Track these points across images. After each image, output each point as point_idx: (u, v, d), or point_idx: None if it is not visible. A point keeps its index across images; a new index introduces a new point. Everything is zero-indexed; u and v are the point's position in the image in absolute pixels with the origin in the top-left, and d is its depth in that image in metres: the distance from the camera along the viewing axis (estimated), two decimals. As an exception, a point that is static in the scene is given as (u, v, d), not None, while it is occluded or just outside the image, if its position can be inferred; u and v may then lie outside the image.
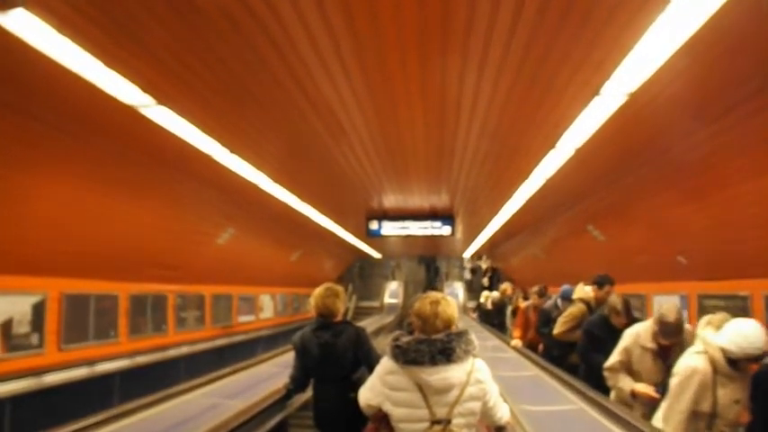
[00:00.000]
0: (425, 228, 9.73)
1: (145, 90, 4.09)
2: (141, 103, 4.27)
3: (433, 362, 2.17)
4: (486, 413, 2.33)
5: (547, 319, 6.46)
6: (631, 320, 4.33)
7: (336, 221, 10.75)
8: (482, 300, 12.04)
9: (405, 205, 9.42)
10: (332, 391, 3.32)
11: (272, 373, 6.11)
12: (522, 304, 7.78)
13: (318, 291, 3.37)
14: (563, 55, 3.66)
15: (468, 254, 19.67)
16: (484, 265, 19.69)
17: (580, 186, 7.60)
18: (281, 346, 10.30)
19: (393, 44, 3.54)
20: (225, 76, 4.05)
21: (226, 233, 9.11)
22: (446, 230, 9.72)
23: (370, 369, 2.65)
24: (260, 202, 8.87)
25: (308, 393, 3.72)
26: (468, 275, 21.27)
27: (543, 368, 5.81)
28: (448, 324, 2.28)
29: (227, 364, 7.01)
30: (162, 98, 4.29)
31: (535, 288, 7.37)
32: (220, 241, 9.17)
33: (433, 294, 2.39)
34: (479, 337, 2.57)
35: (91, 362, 6.81)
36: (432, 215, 9.77)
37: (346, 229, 11.74)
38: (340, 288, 3.46)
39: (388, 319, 17.47)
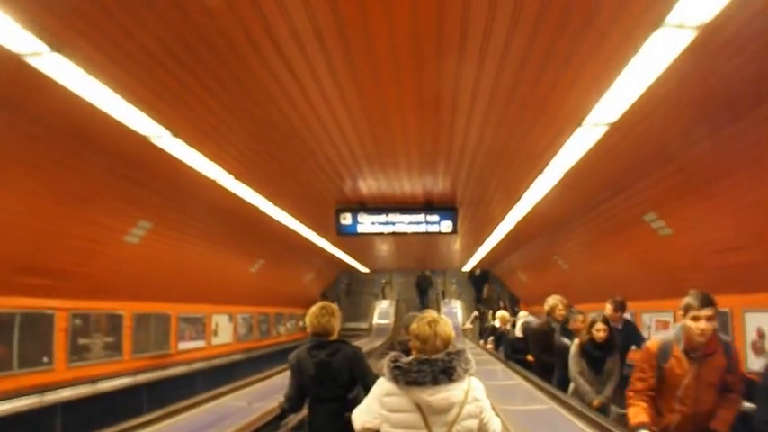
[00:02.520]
0: (419, 223, 7.18)
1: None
2: None
3: (435, 381, 2.17)
4: (480, 429, 2.27)
5: None
6: None
7: (294, 214, 8.10)
8: (497, 323, 9.26)
9: (389, 191, 6.90)
10: (328, 410, 3.30)
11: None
12: (652, 341, 3.24)
13: (313, 310, 3.37)
14: None
15: (469, 266, 17.01)
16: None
17: (640, 154, 5.12)
18: (239, 379, 7.72)
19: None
20: None
21: (137, 228, 6.52)
22: (446, 227, 7.18)
23: (366, 388, 2.57)
24: (188, 187, 6.33)
25: (303, 413, 3.70)
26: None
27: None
28: (447, 343, 2.27)
29: (140, 412, 5.27)
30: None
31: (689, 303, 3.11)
32: (131, 239, 6.57)
33: (429, 314, 2.36)
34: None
35: None
36: (427, 205, 7.23)
37: (308, 225, 9.06)
38: (335, 307, 3.44)
39: (378, 342, 15.18)
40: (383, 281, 21.98)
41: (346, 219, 7.13)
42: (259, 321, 13.39)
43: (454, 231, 7.23)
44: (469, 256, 14.54)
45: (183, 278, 8.83)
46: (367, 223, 7.14)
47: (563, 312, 5.71)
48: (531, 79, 3.73)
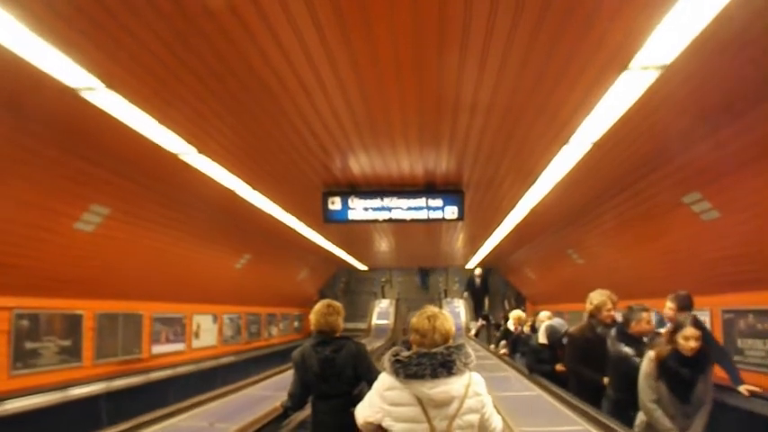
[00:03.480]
0: (419, 208, 6.23)
1: None
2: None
3: (435, 375, 2.18)
4: (482, 425, 2.27)
5: None
6: None
7: (276, 200, 7.09)
8: (510, 324, 8.16)
9: (385, 171, 5.96)
10: (332, 406, 3.29)
11: None
12: None
13: (318, 308, 3.39)
14: None
15: (472, 263, 16.01)
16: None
17: (689, 115, 4.18)
18: (222, 385, 6.82)
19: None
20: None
21: (90, 213, 5.58)
22: (451, 212, 6.22)
23: (370, 384, 2.56)
24: (152, 168, 5.43)
25: (306, 413, 3.65)
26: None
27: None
28: (446, 338, 2.28)
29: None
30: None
31: None
32: (83, 226, 5.64)
33: (430, 309, 2.39)
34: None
35: None
36: (429, 188, 6.28)
37: (293, 213, 7.98)
38: (340, 305, 3.47)
39: (377, 343, 14.36)
40: (383, 279, 21.09)
41: (335, 203, 6.18)
42: (248, 322, 12.46)
43: (460, 218, 6.28)
44: (474, 251, 13.58)
45: (158, 274, 7.90)
46: (359, 209, 6.18)
47: (611, 313, 4.37)
48: (557, 17, 2.82)
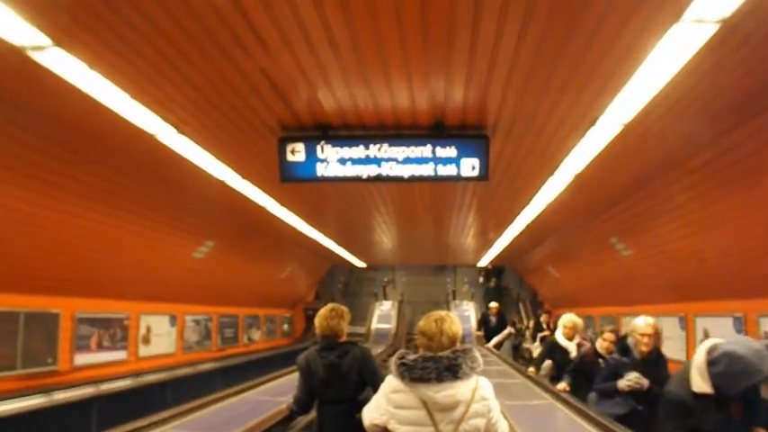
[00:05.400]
0: (423, 160, 4.23)
1: None
2: None
3: (440, 379, 2.17)
4: (488, 429, 2.25)
5: None
6: None
7: (213, 150, 4.82)
8: (559, 337, 5.50)
9: (371, 106, 4.00)
10: (337, 412, 3.30)
11: None
12: None
13: (322, 312, 3.39)
14: None
15: (485, 260, 13.94)
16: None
17: None
18: (171, 405, 4.88)
19: None
20: None
21: None
22: (470, 167, 4.21)
23: (375, 389, 2.53)
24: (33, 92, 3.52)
25: (312, 415, 3.69)
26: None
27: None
28: (453, 341, 2.28)
29: None
30: None
31: None
32: None
33: (437, 312, 2.39)
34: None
35: None
36: (437, 129, 4.28)
37: (245, 174, 5.67)
38: (344, 309, 3.46)
39: (378, 349, 12.49)
40: (385, 279, 19.24)
41: (297, 153, 4.18)
42: (222, 325, 10.52)
43: (483, 177, 4.26)
44: (488, 244, 11.55)
45: (77, 260, 6.00)
46: (333, 161, 4.18)
47: None
48: None
